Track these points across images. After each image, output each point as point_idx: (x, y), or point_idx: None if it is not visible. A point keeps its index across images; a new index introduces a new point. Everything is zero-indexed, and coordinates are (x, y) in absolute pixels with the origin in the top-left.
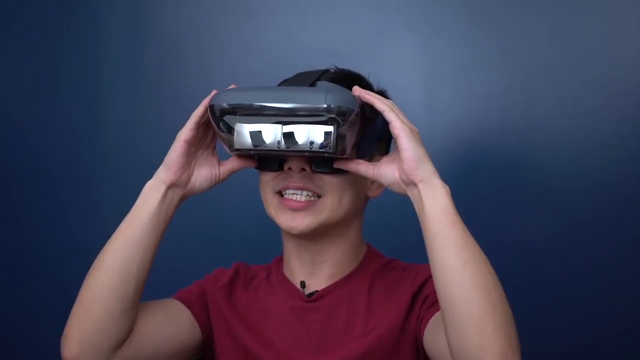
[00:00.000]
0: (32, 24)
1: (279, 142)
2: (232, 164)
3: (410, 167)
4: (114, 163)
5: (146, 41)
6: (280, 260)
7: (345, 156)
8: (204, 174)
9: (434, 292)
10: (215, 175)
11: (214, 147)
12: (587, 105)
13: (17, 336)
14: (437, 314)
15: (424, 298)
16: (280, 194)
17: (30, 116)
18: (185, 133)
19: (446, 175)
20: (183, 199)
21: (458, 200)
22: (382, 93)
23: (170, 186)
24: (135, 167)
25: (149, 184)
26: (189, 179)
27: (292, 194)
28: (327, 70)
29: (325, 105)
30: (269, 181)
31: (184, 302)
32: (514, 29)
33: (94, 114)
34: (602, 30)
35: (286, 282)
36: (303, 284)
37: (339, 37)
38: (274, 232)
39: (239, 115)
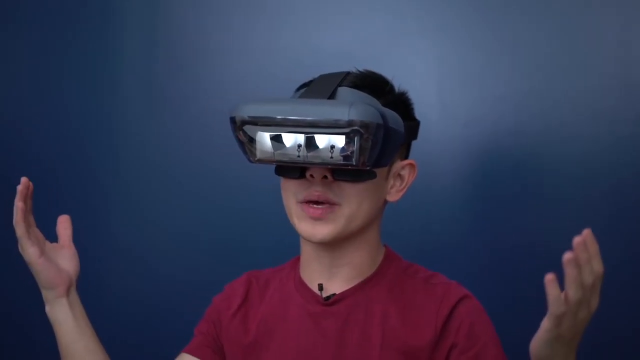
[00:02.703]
0: (44, 24)
1: (299, 147)
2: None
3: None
4: (126, 166)
5: (160, 42)
6: (296, 261)
7: (368, 168)
8: (64, 262)
9: (462, 338)
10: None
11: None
12: (602, 106)
13: (20, 337)
14: None
15: (450, 343)
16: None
17: (40, 118)
18: (31, 253)
19: (459, 176)
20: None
21: (471, 201)
22: (402, 95)
23: (67, 295)
24: (148, 169)
25: (49, 310)
26: (67, 276)
27: (314, 202)
28: (348, 73)
29: (347, 119)
30: (291, 188)
31: (196, 351)
32: (527, 31)
33: (106, 115)
34: (616, 31)
35: (303, 286)
36: (321, 287)
37: (354, 39)
38: (292, 234)
39: (260, 125)
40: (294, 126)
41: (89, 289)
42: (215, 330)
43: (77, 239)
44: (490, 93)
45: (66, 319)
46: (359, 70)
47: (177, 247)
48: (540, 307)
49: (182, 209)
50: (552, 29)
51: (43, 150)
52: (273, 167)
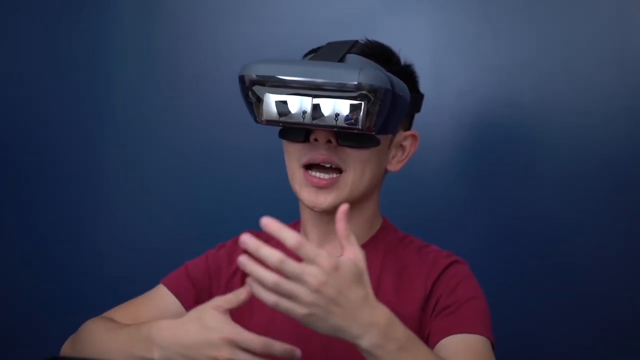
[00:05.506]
0: None
1: (304, 113)
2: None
3: None
4: (123, 139)
5: (157, 13)
6: (295, 226)
7: (373, 133)
8: None
9: (445, 294)
10: None
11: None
12: (597, 78)
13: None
14: (446, 340)
15: (435, 302)
16: (305, 167)
17: (37, 90)
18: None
19: (452, 146)
20: None
21: (465, 171)
22: (408, 67)
23: None
24: (144, 142)
25: None
26: None
27: (318, 167)
28: (357, 42)
29: (357, 83)
30: (295, 152)
31: (172, 289)
32: (523, 2)
33: (103, 88)
34: (612, 3)
35: None
36: None
37: (350, 9)
38: (290, 201)
39: (268, 86)
40: (301, 88)
41: (86, 261)
42: (210, 282)
43: (72, 213)
44: (484, 64)
45: None
46: (367, 39)
47: (171, 215)
48: (535, 275)
49: (177, 177)
50: (550, 1)
51: (40, 120)
52: (272, 132)
